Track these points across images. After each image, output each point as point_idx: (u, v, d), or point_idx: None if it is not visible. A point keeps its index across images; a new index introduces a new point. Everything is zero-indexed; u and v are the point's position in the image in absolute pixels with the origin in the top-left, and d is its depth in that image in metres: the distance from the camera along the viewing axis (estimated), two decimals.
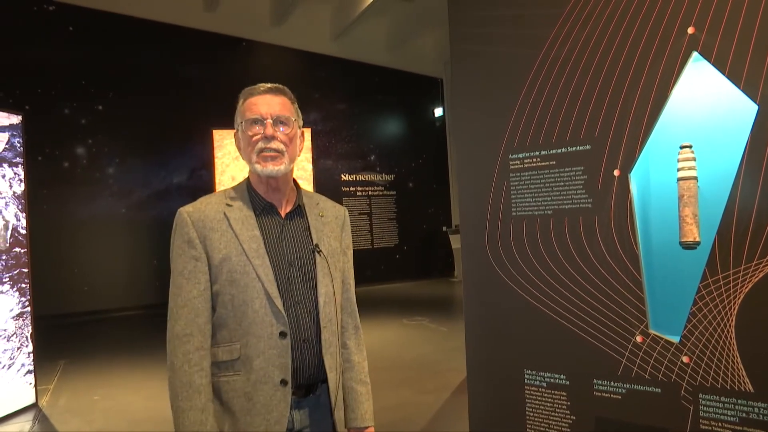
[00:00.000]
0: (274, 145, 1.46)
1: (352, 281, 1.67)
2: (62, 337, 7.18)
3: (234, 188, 1.57)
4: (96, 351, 6.45)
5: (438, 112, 12.81)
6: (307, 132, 9.05)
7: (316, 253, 1.51)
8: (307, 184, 8.83)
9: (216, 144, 9.11)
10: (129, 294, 9.03)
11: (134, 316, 8.78)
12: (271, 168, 1.46)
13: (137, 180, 9.14)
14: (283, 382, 1.41)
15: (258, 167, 1.46)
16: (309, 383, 1.49)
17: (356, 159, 11.68)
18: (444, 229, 12.39)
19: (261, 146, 1.46)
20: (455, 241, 11.07)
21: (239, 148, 1.54)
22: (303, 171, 8.95)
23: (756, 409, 1.63)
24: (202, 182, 9.44)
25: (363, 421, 1.56)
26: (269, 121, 1.46)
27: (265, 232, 1.49)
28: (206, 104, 9.12)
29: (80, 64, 8.58)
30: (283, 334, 1.42)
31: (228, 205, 1.50)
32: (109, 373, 5.44)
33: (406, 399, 4.56)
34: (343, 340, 1.62)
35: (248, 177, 1.58)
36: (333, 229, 1.61)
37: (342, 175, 11.44)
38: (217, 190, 1.69)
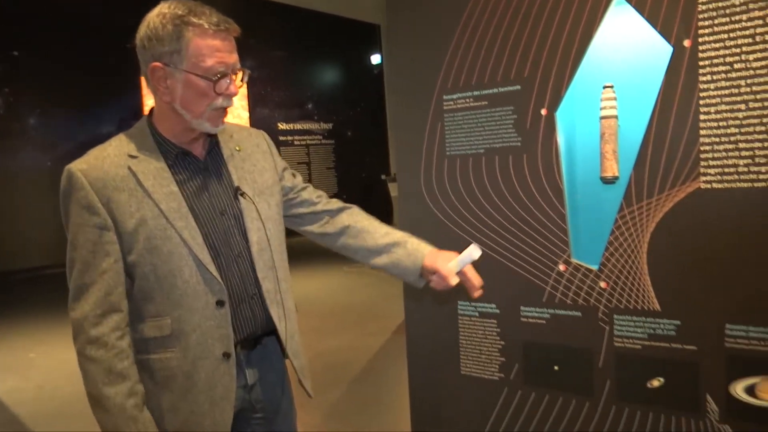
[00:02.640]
0: (233, 101, 1.28)
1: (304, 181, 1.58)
2: None
3: (131, 135, 1.30)
4: (29, 310, 6.26)
5: (376, 59, 12.65)
6: None
7: (240, 197, 1.34)
8: None
9: (145, 92, 8.72)
10: (60, 250, 8.59)
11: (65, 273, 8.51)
12: (221, 125, 1.29)
13: (62, 131, 8.65)
14: (226, 356, 1.28)
15: (208, 125, 1.25)
16: (256, 337, 1.39)
17: (293, 107, 11.46)
18: (382, 177, 12.46)
19: (224, 104, 1.25)
20: (393, 189, 11.17)
21: (166, 90, 1.23)
22: (239, 119, 8.76)
23: (661, 326, 1.81)
24: None
25: (425, 247, 1.50)
26: (232, 74, 1.23)
27: (184, 185, 1.28)
28: (132, 49, 8.64)
29: None
30: (220, 303, 1.27)
31: (131, 156, 1.24)
32: (44, 332, 5.31)
33: (349, 342, 4.71)
34: (346, 223, 1.54)
35: (150, 119, 1.32)
36: (257, 161, 1.43)
37: (279, 124, 11.21)
38: None
